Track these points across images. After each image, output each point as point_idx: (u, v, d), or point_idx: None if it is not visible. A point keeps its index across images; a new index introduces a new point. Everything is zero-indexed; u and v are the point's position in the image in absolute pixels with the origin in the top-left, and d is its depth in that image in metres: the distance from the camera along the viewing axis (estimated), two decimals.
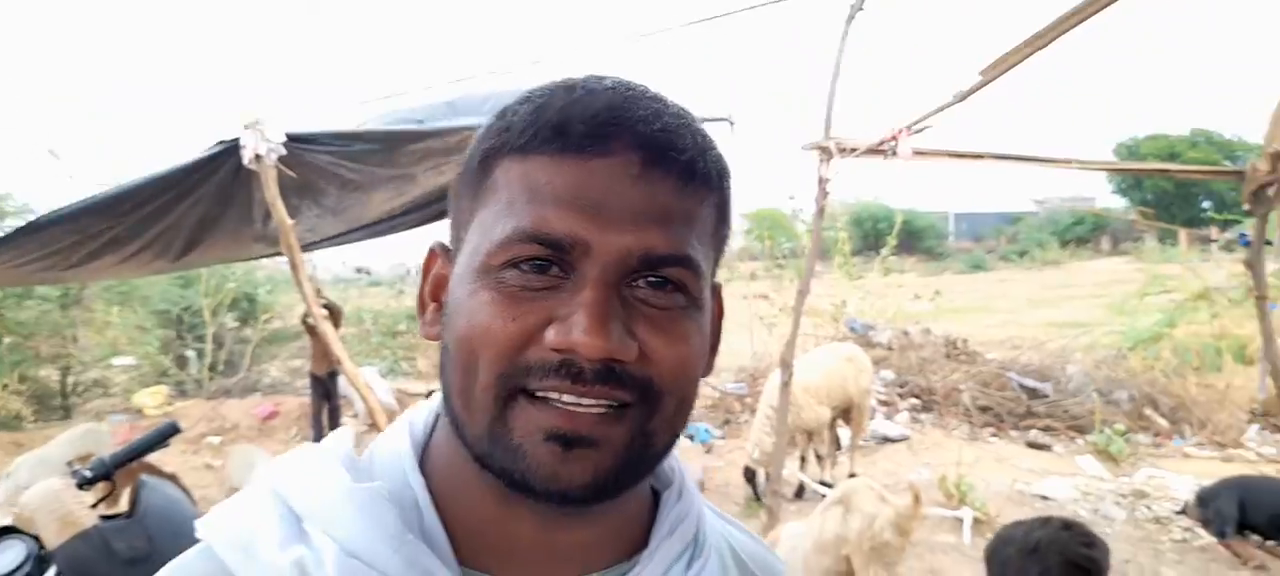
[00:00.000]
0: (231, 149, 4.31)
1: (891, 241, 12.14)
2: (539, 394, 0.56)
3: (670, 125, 0.59)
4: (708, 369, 0.66)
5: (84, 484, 2.04)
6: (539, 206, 0.56)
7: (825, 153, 4.18)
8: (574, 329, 0.54)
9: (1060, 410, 9.01)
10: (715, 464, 7.87)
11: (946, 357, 10.17)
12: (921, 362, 9.91)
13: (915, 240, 38.92)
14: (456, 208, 0.64)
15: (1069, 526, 1.68)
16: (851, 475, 7.00)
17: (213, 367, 12.02)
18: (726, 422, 9.27)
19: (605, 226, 0.56)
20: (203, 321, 12.03)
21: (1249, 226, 5.27)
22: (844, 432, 7.41)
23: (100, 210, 4.59)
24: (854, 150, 4.03)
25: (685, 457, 6.64)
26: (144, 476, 2.16)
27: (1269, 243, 5.01)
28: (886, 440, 8.30)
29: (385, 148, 4.88)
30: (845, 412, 7.14)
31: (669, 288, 0.59)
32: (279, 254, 5.27)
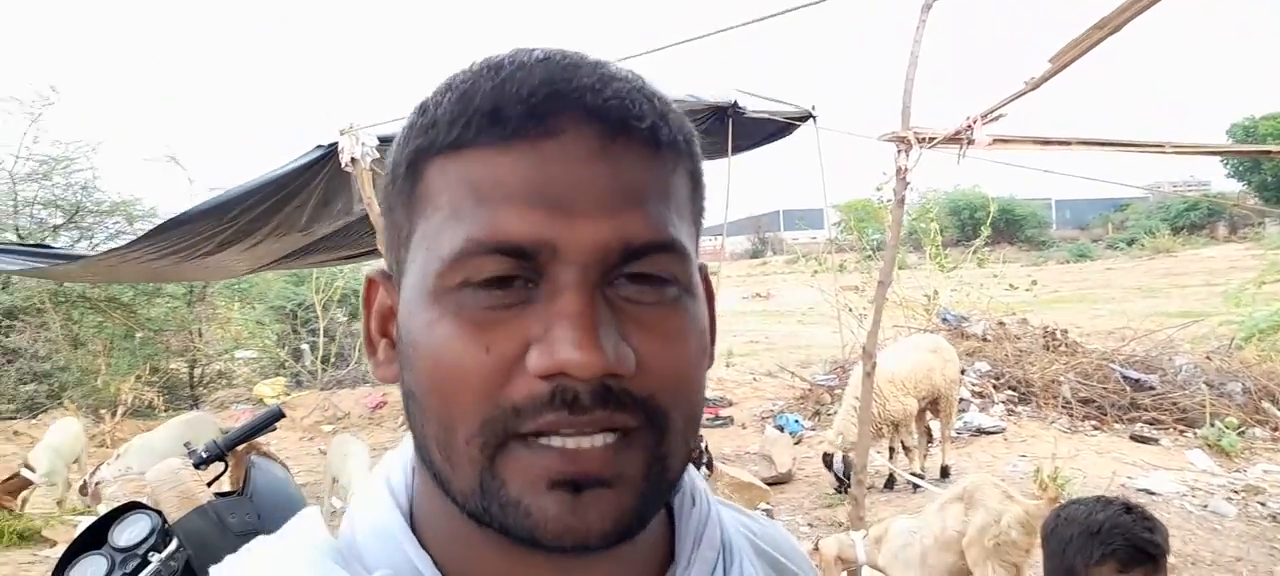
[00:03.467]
0: (329, 153, 4.63)
1: (985, 230, 11.88)
2: (533, 434, 0.47)
3: (622, 90, 0.50)
4: (710, 360, 0.56)
5: (200, 464, 2.24)
6: (490, 209, 0.47)
7: (904, 143, 4.20)
8: (560, 346, 0.45)
9: (1167, 403, 8.70)
10: (805, 453, 7.91)
11: (1045, 348, 9.91)
12: (1018, 354, 9.69)
13: (1015, 229, 37.71)
14: (391, 223, 0.54)
15: (1130, 509, 1.67)
16: (944, 467, 6.96)
17: (325, 360, 12.68)
18: (816, 414, 9.29)
19: (572, 220, 0.47)
20: (315, 316, 12.71)
21: None
22: (936, 425, 7.36)
23: (214, 213, 5.01)
24: (932, 140, 4.04)
25: (776, 449, 6.69)
26: (253, 457, 2.38)
27: None
28: (981, 432, 8.18)
29: None
30: (933, 404, 7.09)
31: (656, 281, 0.50)
32: (378, 253, 5.61)
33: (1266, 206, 28.29)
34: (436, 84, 0.52)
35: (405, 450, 0.57)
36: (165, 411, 10.33)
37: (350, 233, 6.34)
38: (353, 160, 4.64)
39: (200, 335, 12.08)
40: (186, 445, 2.41)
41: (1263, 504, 6.37)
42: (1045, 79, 3.27)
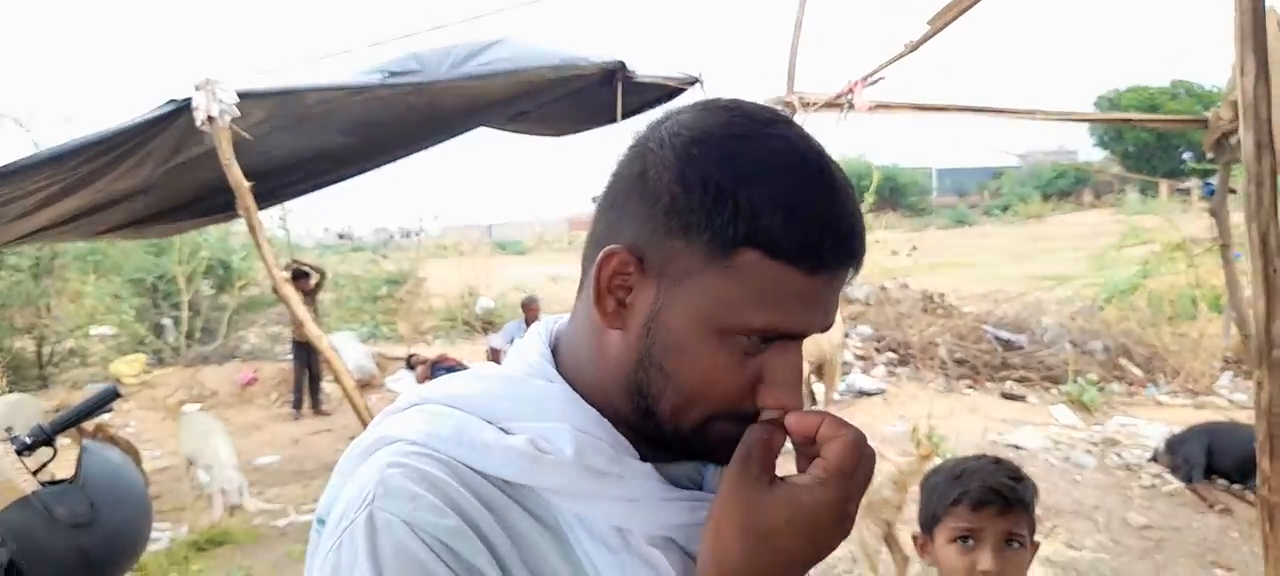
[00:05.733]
0: (182, 109, 4.25)
1: (869, 197, 12.13)
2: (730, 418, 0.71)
3: (864, 234, 0.72)
4: None
5: (24, 450, 2.03)
6: (788, 309, 0.68)
7: (789, 107, 4.15)
8: (787, 398, 0.70)
9: (1035, 361, 9.08)
10: None
11: (924, 312, 10.22)
12: (898, 317, 9.95)
13: (898, 196, 38.97)
14: (674, 242, 0.69)
15: (999, 461, 1.75)
16: None
17: (190, 335, 11.95)
18: None
19: (818, 318, 0.70)
20: (178, 289, 11.93)
21: (1216, 176, 5.28)
22: (819, 388, 7.45)
23: (43, 166, 4.53)
24: (815, 105, 3.99)
25: None
26: (86, 442, 2.15)
27: (1232, 191, 5.00)
28: (862, 394, 8.35)
29: (340, 102, 4.86)
30: (818, 368, 7.18)
31: None
32: (236, 215, 5.21)
33: (1129, 173, 30.07)
34: (755, 159, 0.68)
35: (537, 343, 0.80)
36: (8, 391, 9.52)
37: (205, 195, 5.91)
38: (210, 118, 4.30)
39: (49, 310, 11.15)
40: (8, 431, 2.17)
41: (1118, 455, 6.70)
42: (924, 41, 3.25)
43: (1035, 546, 1.67)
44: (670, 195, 0.68)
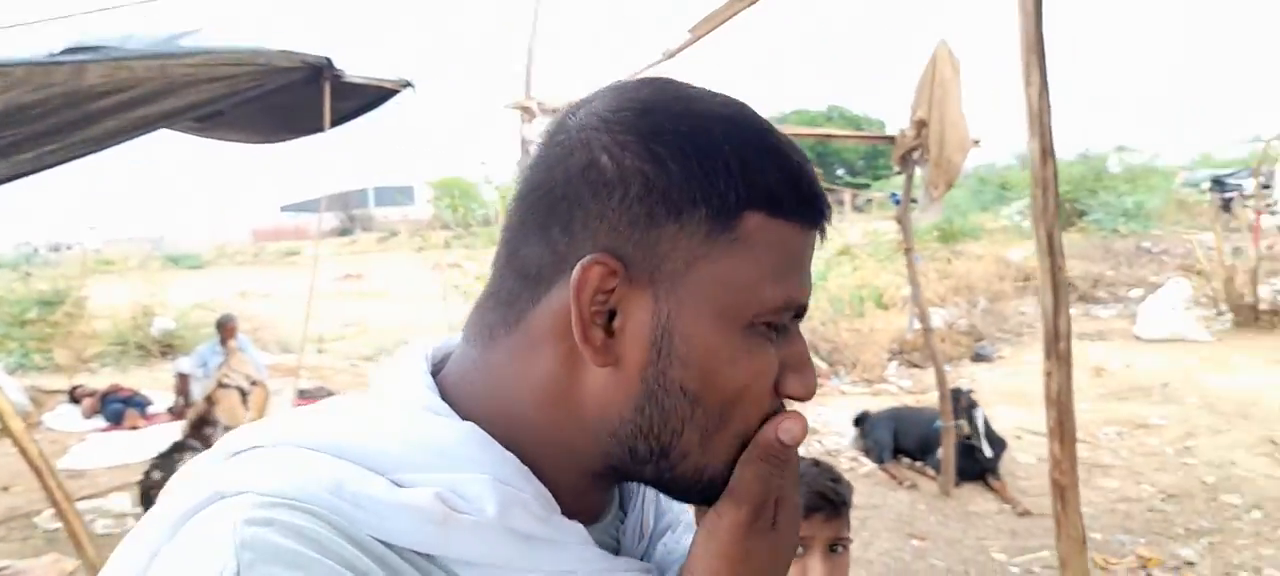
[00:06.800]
0: None
1: None
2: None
3: None
4: None
5: None
6: (797, 278, 0.60)
7: (527, 112, 4.05)
8: (809, 383, 0.61)
9: None
10: None
11: None
12: None
13: None
14: (662, 229, 0.56)
15: (818, 464, 1.76)
16: None
17: None
18: None
19: (808, 286, 0.62)
20: None
21: (899, 186, 5.95)
22: None
23: None
24: (557, 111, 3.93)
25: None
26: None
27: (914, 200, 5.67)
28: None
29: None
30: None
31: None
32: None
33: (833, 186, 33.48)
34: (730, 127, 0.59)
35: (426, 380, 0.61)
36: None
37: None
38: None
39: None
40: None
41: (820, 442, 7.37)
42: (683, 48, 3.29)
43: (849, 544, 1.67)
44: (642, 177, 0.55)
